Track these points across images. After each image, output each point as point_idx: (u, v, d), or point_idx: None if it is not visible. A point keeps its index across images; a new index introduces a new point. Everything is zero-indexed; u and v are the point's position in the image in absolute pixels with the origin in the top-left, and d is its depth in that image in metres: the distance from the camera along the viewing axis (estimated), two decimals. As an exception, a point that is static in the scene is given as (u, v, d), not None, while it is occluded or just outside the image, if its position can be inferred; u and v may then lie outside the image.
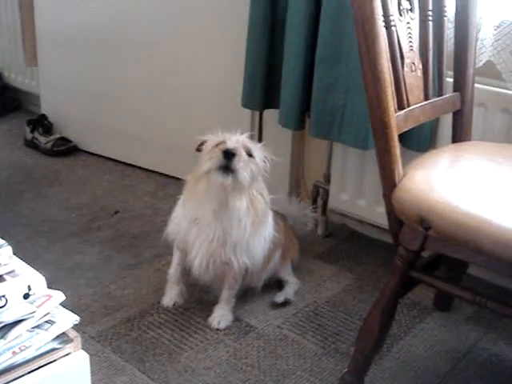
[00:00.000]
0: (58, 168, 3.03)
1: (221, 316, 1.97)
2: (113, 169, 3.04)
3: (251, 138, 1.86)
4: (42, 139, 3.16)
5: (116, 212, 2.63)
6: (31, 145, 3.22)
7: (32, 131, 3.21)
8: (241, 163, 1.74)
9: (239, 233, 1.84)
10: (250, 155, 1.79)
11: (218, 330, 1.95)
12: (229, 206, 1.80)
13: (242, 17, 2.33)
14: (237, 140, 1.78)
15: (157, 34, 2.77)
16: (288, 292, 2.09)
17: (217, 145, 1.78)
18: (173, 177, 2.88)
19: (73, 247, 2.36)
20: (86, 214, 2.60)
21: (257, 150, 1.82)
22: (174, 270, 2.04)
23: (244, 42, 2.32)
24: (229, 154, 1.72)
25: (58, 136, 3.18)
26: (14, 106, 3.69)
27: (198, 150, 1.86)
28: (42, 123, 3.22)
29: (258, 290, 2.12)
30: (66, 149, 3.16)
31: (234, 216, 1.82)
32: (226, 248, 1.86)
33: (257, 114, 2.56)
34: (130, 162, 3.06)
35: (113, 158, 3.11)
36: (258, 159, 1.81)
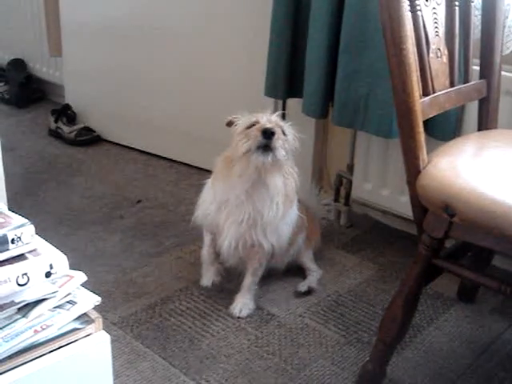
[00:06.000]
0: (81, 157, 3.04)
1: (242, 304, 1.97)
2: (136, 158, 3.05)
3: (281, 117, 1.87)
4: (66, 129, 3.18)
5: (139, 201, 2.64)
6: (55, 134, 3.24)
7: (56, 121, 3.23)
8: (279, 141, 1.75)
9: (271, 213, 1.83)
10: (283, 134, 1.80)
11: (239, 318, 1.94)
12: (265, 184, 1.80)
13: (265, 5, 2.32)
14: (269, 120, 1.79)
15: (181, 24, 2.77)
16: (311, 281, 2.09)
17: (250, 126, 1.78)
18: (196, 167, 2.89)
19: (95, 235, 2.37)
20: (108, 203, 2.61)
21: (288, 128, 1.83)
22: (206, 252, 2.04)
23: (267, 30, 2.30)
24: (267, 134, 1.73)
25: (81, 126, 3.21)
26: (38, 97, 3.72)
27: (229, 125, 1.87)
28: (65, 113, 3.24)
29: (281, 270, 2.12)
30: (89, 138, 3.18)
31: (267, 195, 1.82)
32: (257, 229, 1.86)
33: (280, 103, 2.54)
34: (153, 152, 3.07)
35: (136, 147, 3.12)
36: (290, 137, 1.82)
